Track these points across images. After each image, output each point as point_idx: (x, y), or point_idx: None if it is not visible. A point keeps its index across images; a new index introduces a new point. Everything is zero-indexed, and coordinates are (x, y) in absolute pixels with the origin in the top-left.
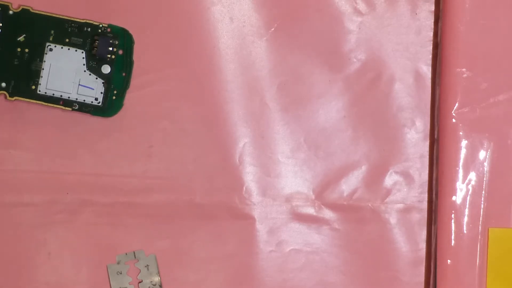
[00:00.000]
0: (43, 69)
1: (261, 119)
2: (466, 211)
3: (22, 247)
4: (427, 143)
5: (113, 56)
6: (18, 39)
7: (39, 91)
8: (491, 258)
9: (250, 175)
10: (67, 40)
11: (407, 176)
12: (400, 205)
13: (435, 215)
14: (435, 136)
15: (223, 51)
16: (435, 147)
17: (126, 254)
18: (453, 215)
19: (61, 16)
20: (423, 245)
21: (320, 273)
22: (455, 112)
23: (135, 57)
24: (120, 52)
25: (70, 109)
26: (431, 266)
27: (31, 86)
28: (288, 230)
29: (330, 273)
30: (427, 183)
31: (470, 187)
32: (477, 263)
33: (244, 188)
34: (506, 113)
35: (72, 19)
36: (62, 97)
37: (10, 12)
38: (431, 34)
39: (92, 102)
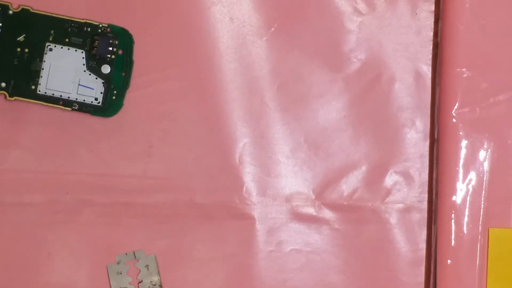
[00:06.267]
0: (43, 69)
1: (261, 119)
2: (466, 211)
3: (22, 247)
4: (427, 143)
5: (113, 56)
6: (18, 39)
7: (39, 91)
8: (491, 258)
9: (250, 175)
10: (67, 40)
11: (407, 176)
12: (400, 205)
13: (435, 215)
14: (435, 136)
15: (223, 51)
16: (435, 147)
17: (126, 254)
18: (453, 215)
19: (61, 16)
20: (423, 245)
21: (320, 273)
22: (455, 112)
23: (135, 57)
24: (120, 52)
25: (70, 109)
26: (431, 266)
27: (31, 86)
28: (288, 230)
29: (330, 273)
30: (427, 183)
31: (470, 187)
32: (477, 263)
33: (244, 188)
34: (506, 113)
35: (72, 19)
36: (62, 97)
37: (10, 12)
38: (431, 34)
39: (92, 102)
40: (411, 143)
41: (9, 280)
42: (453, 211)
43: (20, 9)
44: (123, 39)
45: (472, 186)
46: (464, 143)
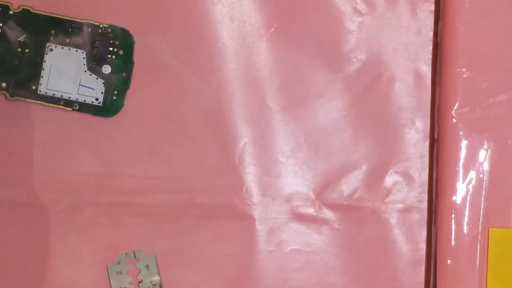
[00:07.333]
0: (43, 69)
1: (261, 119)
2: (466, 211)
3: (22, 247)
4: (427, 143)
5: (113, 56)
6: (19, 39)
7: (40, 91)
8: (491, 258)
9: (250, 175)
10: (67, 40)
11: (407, 176)
12: (400, 205)
13: (435, 215)
14: (435, 136)
15: (223, 51)
16: (435, 147)
17: (126, 254)
18: (453, 215)
19: (61, 16)
20: (423, 245)
21: (320, 273)
22: (455, 112)
23: (135, 57)
24: (121, 52)
25: (70, 109)
26: (431, 266)
27: (31, 86)
28: (288, 230)
29: (330, 273)
30: (427, 183)
31: (470, 187)
32: (477, 263)
33: (244, 188)
34: (506, 113)
35: (73, 19)
36: (63, 97)
37: (11, 12)
38: (431, 34)
39: (92, 102)
40: (411, 143)
41: (9, 280)
42: (453, 211)
43: (20, 9)
44: (123, 39)
45: (472, 186)
46: (464, 143)
